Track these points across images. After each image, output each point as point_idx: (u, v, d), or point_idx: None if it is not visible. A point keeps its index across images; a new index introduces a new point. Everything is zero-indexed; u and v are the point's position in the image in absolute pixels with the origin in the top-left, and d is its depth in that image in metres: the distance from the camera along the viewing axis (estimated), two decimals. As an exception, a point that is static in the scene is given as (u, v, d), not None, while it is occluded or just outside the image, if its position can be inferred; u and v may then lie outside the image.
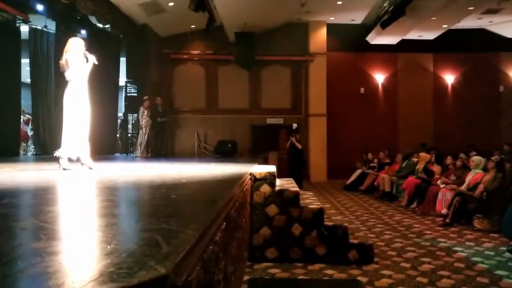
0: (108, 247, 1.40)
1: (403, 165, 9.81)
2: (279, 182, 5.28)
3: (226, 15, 11.18)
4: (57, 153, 4.93)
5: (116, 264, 1.18)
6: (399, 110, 14.12)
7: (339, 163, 13.19)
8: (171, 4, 10.51)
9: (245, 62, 12.83)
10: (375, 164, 11.18)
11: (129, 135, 12.34)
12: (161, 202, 2.61)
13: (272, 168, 4.86)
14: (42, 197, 2.83)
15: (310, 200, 5.45)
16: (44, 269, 1.15)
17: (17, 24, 9.85)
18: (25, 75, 10.84)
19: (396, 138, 13.83)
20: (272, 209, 4.61)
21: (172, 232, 1.67)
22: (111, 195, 3.07)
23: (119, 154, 11.76)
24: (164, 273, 1.09)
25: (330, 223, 4.71)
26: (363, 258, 4.50)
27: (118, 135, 12.56)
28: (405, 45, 13.54)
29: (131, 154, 11.56)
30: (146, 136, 10.39)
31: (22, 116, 11.37)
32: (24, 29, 10.11)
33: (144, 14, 11.00)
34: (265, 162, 6.66)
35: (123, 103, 13.12)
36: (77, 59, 5.05)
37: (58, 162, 4.94)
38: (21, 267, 1.25)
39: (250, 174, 4.53)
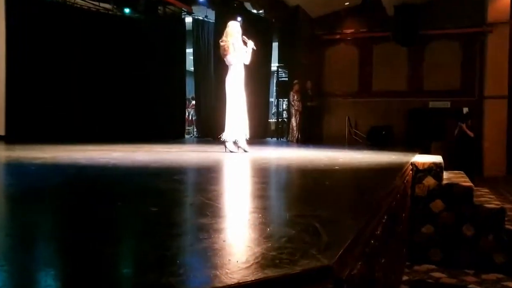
0: (268, 229, 1.44)
1: None
2: (446, 175, 4.79)
3: (386, -13, 10.53)
4: (223, 137, 5.34)
5: (277, 248, 1.20)
6: None
7: (522, 155, 11.28)
8: (324, -19, 10.42)
9: (405, 38, 11.90)
10: None
11: (280, 119, 12.83)
12: (314, 188, 2.61)
13: (438, 159, 4.44)
14: (206, 175, 3.13)
15: (486, 198, 4.81)
16: (211, 245, 1.24)
17: (182, 16, 11.13)
18: (189, 64, 12.21)
19: None
20: (437, 205, 4.20)
21: (330, 220, 1.64)
22: (266, 178, 3.22)
23: (270, 138, 12.36)
24: (328, 264, 1.06)
25: (512, 227, 4.07)
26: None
27: (269, 120, 13.21)
28: None
29: (281, 138, 12.03)
30: (296, 121, 10.64)
31: (191, 102, 12.93)
32: (188, 20, 11.35)
33: (296, -6, 11.17)
34: (427, 151, 6.10)
35: (275, 88, 13.69)
36: (238, 43, 5.34)
37: (224, 145, 5.35)
38: (191, 240, 1.37)
39: (412, 164, 4.22)
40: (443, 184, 4.27)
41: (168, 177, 3.01)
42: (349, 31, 12.94)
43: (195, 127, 13.09)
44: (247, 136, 5.45)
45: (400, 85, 12.59)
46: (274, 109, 14.97)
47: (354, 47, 13.04)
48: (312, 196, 2.30)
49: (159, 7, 10.52)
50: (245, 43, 5.35)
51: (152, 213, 1.73)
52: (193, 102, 12.96)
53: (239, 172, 3.66)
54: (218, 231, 1.42)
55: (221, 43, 5.31)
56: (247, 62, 5.40)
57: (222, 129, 5.48)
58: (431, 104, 12.27)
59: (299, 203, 2.11)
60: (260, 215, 1.70)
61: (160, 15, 10.63)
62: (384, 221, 2.03)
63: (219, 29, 9.91)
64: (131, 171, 3.36)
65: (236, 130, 5.34)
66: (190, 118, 13.28)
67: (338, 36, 13.04)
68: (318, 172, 3.45)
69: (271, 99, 14.59)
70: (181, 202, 2.11)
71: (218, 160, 4.46)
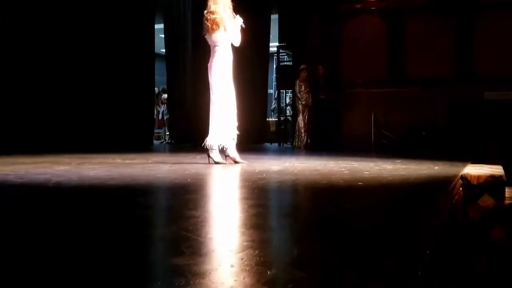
0: (269, 272, 1.42)
1: None
2: (509, 192, 4.81)
3: None
4: (206, 143, 5.34)
5: (281, 299, 1.18)
6: None
7: None
8: None
9: (449, 6, 11.97)
10: None
11: (282, 118, 12.85)
12: (331, 214, 2.60)
13: (497, 170, 4.45)
14: (182, 197, 3.11)
15: None
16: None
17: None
18: (159, 44, 12.21)
19: None
20: (497, 233, 4.19)
21: (353, 257, 1.62)
22: (264, 199, 3.20)
23: (269, 144, 12.37)
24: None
25: None
26: None
27: (268, 119, 13.21)
28: None
29: (284, 144, 12.03)
30: (304, 120, 10.65)
31: (162, 96, 12.90)
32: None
33: None
34: (482, 160, 6.13)
35: (274, 75, 13.70)
36: (227, 16, 5.36)
37: (208, 155, 5.36)
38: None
39: (462, 177, 4.23)
40: (505, 204, 4.28)
41: (129, 200, 2.99)
42: (373, -2, 12.98)
43: (167, 130, 13.08)
44: (236, 141, 5.46)
45: (444, 70, 12.59)
46: (274, 104, 15.00)
47: (381, 20, 13.08)
48: (327, 224, 2.30)
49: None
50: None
51: (106, 251, 1.70)
52: (165, 95, 12.97)
53: (228, 192, 3.64)
54: (199, 275, 1.40)
55: (211, 16, 5.30)
56: (237, 43, 5.41)
57: (204, 133, 5.48)
58: (487, 95, 12.28)
59: (310, 235, 2.11)
60: (257, 251, 1.69)
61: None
62: (427, 258, 2.03)
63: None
64: (80, 192, 3.34)
65: (223, 134, 5.36)
66: (160, 117, 13.28)
67: (359, 5, 13.08)
68: (335, 190, 3.46)
69: (270, 91, 14.62)
70: (148, 235, 2.08)
71: (198, 175, 4.44)
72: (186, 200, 2.98)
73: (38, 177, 4.00)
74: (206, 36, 5.42)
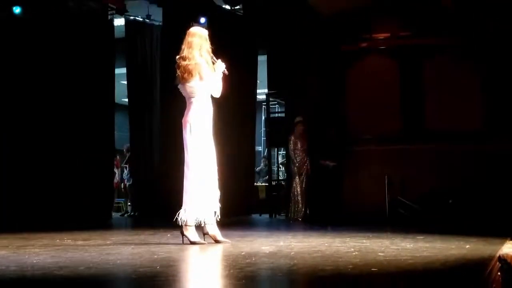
0: None
1: None
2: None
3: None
4: (180, 218, 5.32)
5: None
6: None
7: None
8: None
9: (477, 45, 12.24)
10: None
11: (274, 182, 12.83)
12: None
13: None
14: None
15: None
16: None
17: (110, 17, 11.32)
18: (120, 93, 12.28)
19: None
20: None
21: None
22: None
23: (258, 215, 12.28)
24: None
25: None
26: None
27: (256, 183, 13.17)
28: None
29: (277, 215, 11.94)
30: (302, 186, 10.60)
31: (125, 157, 12.87)
32: (119, 22, 11.55)
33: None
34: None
35: (263, 129, 13.78)
36: (204, 62, 5.44)
37: (182, 233, 5.35)
38: None
39: (500, 259, 4.21)
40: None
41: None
42: (382, 35, 13.23)
43: (129, 200, 12.98)
44: (219, 215, 5.43)
45: (473, 121, 12.67)
46: (262, 164, 15.00)
47: (393, 61, 13.27)
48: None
49: (70, 1, 10.69)
50: (212, 63, 5.49)
51: None
52: (127, 155, 12.95)
53: (207, 284, 3.59)
54: None
55: (183, 62, 5.39)
56: (217, 93, 5.48)
57: (177, 204, 5.45)
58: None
59: None
60: None
61: (72, 15, 10.77)
62: None
63: (171, 36, 10.07)
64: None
65: (201, 206, 5.34)
66: (123, 184, 13.21)
67: (365, 44, 13.29)
68: (343, 279, 3.40)
69: (258, 148, 14.65)
70: None
71: (170, 261, 4.39)
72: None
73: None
74: (179, 87, 5.48)
